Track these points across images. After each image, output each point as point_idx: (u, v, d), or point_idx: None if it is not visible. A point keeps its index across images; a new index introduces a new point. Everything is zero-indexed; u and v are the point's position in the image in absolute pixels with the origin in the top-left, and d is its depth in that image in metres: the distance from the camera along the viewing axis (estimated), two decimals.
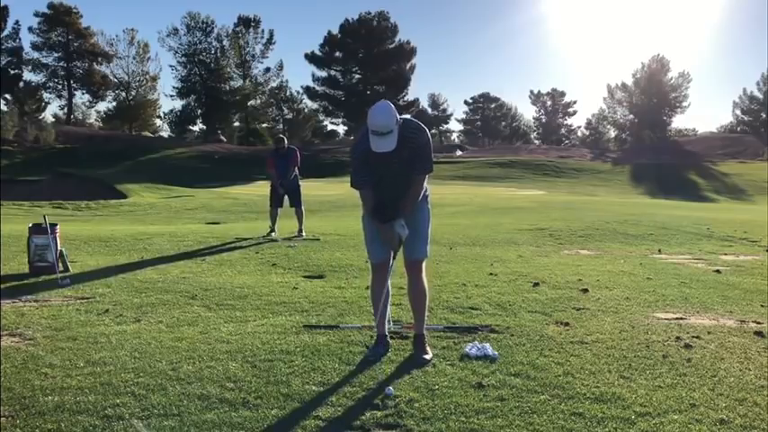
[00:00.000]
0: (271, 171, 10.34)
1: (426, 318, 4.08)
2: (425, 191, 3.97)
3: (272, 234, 9.84)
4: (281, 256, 7.82)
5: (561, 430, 2.85)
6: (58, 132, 57.19)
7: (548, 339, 4.19)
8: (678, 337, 4.26)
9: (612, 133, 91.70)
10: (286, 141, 10.62)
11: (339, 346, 4.00)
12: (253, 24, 69.69)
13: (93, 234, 9.88)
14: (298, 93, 75.81)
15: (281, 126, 74.96)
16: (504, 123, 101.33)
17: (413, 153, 3.73)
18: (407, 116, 3.81)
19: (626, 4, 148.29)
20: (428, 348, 3.90)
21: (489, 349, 3.86)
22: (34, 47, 64.83)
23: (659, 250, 8.65)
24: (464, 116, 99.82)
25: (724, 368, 3.67)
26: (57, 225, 6.84)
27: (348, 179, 3.94)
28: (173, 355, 3.79)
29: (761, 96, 78.05)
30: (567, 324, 4.59)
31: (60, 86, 68.11)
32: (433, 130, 71.34)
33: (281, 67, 72.18)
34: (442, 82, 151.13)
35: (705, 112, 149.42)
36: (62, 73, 66.95)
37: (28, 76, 66.34)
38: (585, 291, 5.75)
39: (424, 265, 4.03)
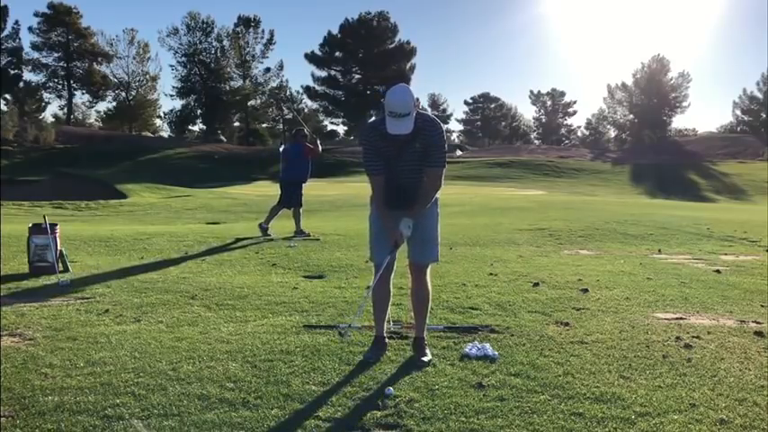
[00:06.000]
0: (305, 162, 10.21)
1: (426, 319, 4.06)
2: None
3: (270, 233, 9.86)
4: (281, 256, 7.82)
5: (561, 430, 2.85)
6: (58, 132, 57.27)
7: (548, 339, 4.19)
8: (678, 337, 4.26)
9: (612, 133, 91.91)
10: (307, 131, 10.57)
11: (339, 347, 3.99)
12: (253, 24, 69.79)
13: (93, 234, 9.88)
14: (298, 93, 75.98)
15: (280, 126, 74.99)
16: (504, 123, 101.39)
17: (426, 145, 3.66)
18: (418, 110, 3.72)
19: (626, 4, 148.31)
20: (427, 350, 3.86)
21: (489, 349, 3.86)
22: (34, 47, 65.04)
23: (659, 250, 8.64)
24: (464, 116, 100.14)
25: (724, 368, 3.67)
26: (57, 225, 6.85)
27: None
28: (173, 355, 3.79)
29: (761, 96, 78.12)
30: (567, 324, 4.59)
31: (60, 86, 68.26)
32: None
33: (281, 67, 72.38)
34: (442, 82, 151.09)
35: (705, 112, 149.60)
36: (62, 73, 67.02)
37: (28, 76, 66.61)
38: (585, 291, 5.75)
39: (428, 268, 4.01)
